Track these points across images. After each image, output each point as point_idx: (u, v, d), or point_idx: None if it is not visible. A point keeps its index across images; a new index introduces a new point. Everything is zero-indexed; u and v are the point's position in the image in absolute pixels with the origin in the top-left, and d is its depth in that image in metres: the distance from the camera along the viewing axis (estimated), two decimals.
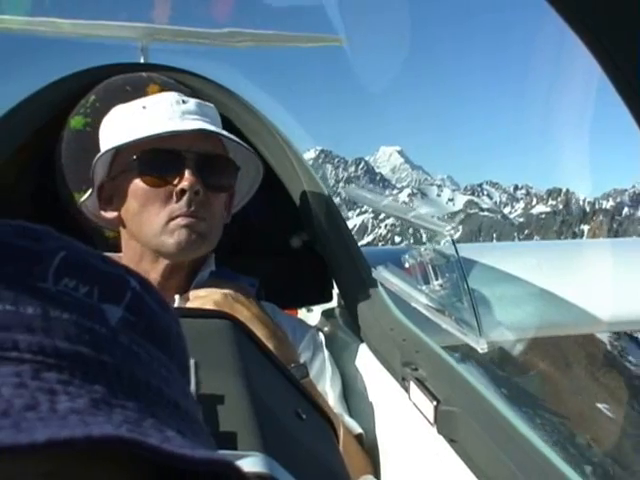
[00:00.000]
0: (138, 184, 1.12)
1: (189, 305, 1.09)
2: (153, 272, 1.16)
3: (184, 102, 1.17)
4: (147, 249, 1.15)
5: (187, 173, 1.12)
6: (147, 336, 0.33)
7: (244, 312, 1.07)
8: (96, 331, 0.31)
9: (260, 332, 1.04)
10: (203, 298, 1.08)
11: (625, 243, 3.16)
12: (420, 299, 1.18)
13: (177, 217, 1.11)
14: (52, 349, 0.28)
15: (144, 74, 1.40)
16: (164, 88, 1.36)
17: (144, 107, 1.16)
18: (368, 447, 1.21)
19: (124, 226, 1.18)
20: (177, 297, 1.16)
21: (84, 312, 0.31)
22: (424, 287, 1.18)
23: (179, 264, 1.18)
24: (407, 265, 1.23)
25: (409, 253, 1.21)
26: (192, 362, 0.52)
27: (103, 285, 0.33)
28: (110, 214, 1.19)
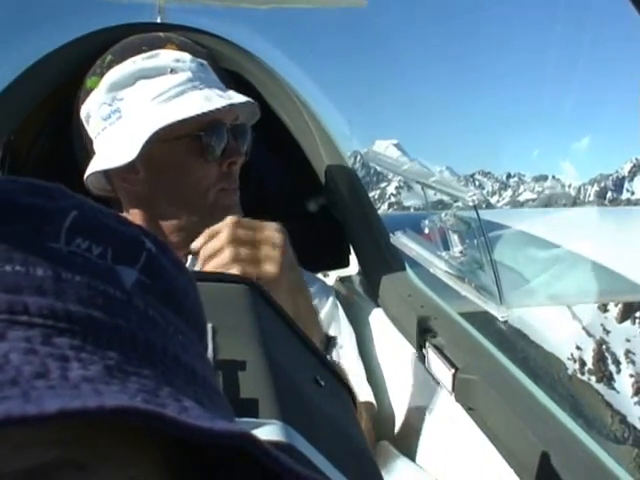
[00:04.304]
0: (192, 157, 1.12)
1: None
2: (163, 237, 1.14)
3: (202, 65, 1.18)
4: (175, 221, 1.15)
5: (235, 146, 1.14)
6: (163, 300, 0.32)
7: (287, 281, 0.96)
8: (110, 294, 0.29)
9: (298, 309, 0.96)
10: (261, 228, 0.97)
11: None
12: (439, 265, 1.16)
13: (225, 189, 1.14)
14: (64, 313, 0.27)
15: (162, 34, 1.38)
16: (182, 49, 1.34)
17: (172, 70, 1.14)
18: (384, 414, 1.21)
19: (143, 196, 1.16)
20: (190, 257, 1.16)
21: (97, 274, 0.29)
22: (444, 253, 1.16)
23: (198, 233, 1.17)
24: (426, 231, 1.21)
25: (429, 218, 1.19)
26: (210, 327, 0.51)
27: (117, 246, 0.31)
28: (129, 184, 1.17)
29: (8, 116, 1.44)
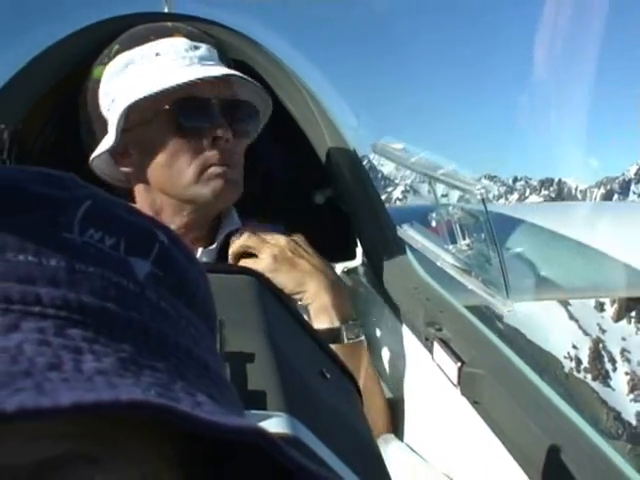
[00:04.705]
0: (168, 134, 1.11)
1: (245, 243, 1.13)
2: (174, 225, 1.14)
3: (197, 47, 1.17)
4: (173, 201, 1.14)
5: (219, 121, 1.11)
6: (175, 292, 0.32)
7: (304, 264, 1.12)
8: (123, 286, 0.29)
9: (320, 284, 1.10)
10: (264, 241, 1.13)
11: None
12: (446, 258, 1.16)
13: (211, 166, 1.11)
14: (77, 304, 0.27)
15: (169, 24, 1.37)
16: (189, 39, 1.34)
17: (157, 54, 1.14)
18: (390, 407, 1.21)
19: (142, 178, 1.17)
20: (200, 250, 1.16)
21: (110, 265, 0.29)
22: (450, 246, 1.16)
23: (203, 216, 1.17)
24: (433, 224, 1.21)
25: (436, 211, 1.19)
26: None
27: (130, 237, 0.31)
28: (126, 168, 1.17)
29: (15, 105, 1.44)
